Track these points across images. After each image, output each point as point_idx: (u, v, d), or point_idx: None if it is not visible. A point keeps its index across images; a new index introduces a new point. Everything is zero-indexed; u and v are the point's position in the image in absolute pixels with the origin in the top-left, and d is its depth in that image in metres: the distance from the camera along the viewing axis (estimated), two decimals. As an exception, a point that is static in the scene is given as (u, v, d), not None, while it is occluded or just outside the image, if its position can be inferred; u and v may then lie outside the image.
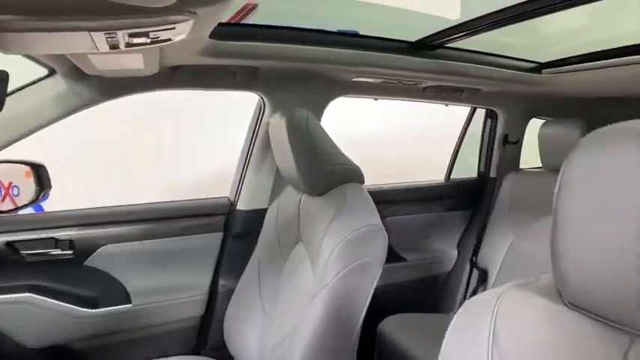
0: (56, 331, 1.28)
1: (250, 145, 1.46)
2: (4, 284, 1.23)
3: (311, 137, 1.03)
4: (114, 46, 0.61)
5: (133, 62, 0.91)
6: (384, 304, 1.39)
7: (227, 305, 1.34)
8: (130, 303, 1.36)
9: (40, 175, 1.48)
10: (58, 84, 1.09)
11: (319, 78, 1.34)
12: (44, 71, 1.09)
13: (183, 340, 1.46)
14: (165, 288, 1.40)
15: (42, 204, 1.63)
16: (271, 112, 1.37)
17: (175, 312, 1.42)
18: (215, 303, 1.46)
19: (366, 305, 0.95)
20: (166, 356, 1.33)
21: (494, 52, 1.40)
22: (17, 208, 1.40)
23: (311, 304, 0.93)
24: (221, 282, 1.46)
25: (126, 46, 0.62)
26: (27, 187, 1.52)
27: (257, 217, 1.41)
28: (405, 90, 1.49)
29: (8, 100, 1.07)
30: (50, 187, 1.50)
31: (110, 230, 1.32)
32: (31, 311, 1.23)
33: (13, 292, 1.22)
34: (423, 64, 1.29)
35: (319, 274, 0.95)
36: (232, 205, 1.48)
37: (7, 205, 1.46)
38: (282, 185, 1.42)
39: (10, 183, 1.77)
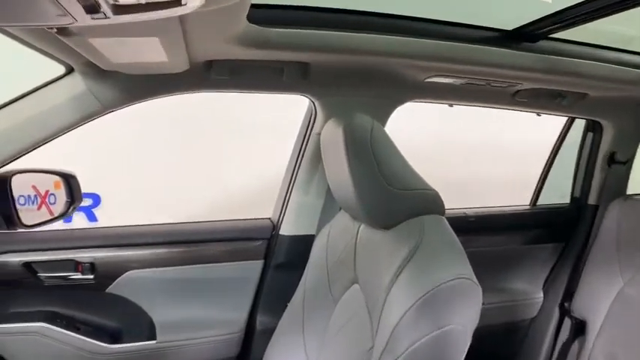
0: None
1: (298, 159, 1.24)
2: (19, 309, 1.11)
3: (376, 152, 0.78)
4: (94, 10, 0.41)
5: (153, 53, 0.72)
6: None
7: (265, 347, 1.13)
8: (155, 339, 1.18)
9: (71, 186, 1.35)
10: (77, 84, 0.94)
11: (385, 77, 1.09)
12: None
13: None
14: (195, 323, 1.22)
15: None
16: (324, 119, 1.14)
17: (206, 352, 1.23)
18: (252, 344, 1.26)
19: None
20: None
21: (614, 46, 1.09)
22: (43, 223, 1.28)
23: None
24: (259, 319, 1.26)
25: (114, 11, 0.42)
26: (59, 196, 1.40)
27: (303, 244, 1.19)
28: (492, 94, 1.20)
29: (22, 102, 0.94)
30: (81, 199, 1.37)
31: (136, 253, 1.17)
32: (44, 344, 1.09)
33: (26, 321, 1.09)
34: (522, 59, 1.00)
35: (383, 339, 0.70)
36: (275, 228, 1.27)
37: (38, 215, 1.34)
38: (335, 208, 1.19)
39: (47, 191, 1.67)
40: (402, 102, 1.19)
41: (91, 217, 2.56)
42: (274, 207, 1.32)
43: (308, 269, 1.11)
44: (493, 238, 1.50)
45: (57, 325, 1.10)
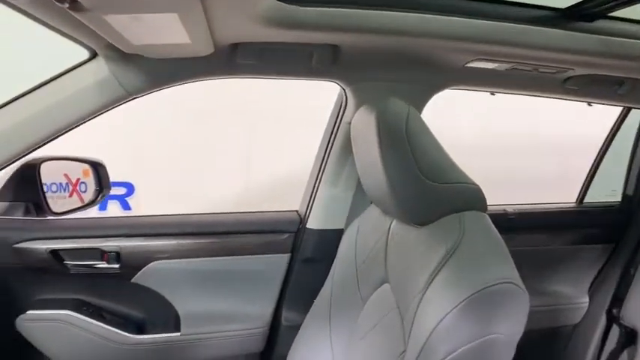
0: (96, 356, 1.12)
1: (327, 149, 1.18)
2: (46, 297, 1.11)
3: (412, 141, 0.71)
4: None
5: (175, 34, 0.68)
6: None
7: (290, 343, 1.09)
8: (179, 331, 1.16)
9: (100, 174, 1.34)
10: (100, 68, 0.91)
11: (422, 61, 1.00)
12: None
13: None
14: (219, 316, 1.19)
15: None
16: (355, 108, 1.08)
17: (230, 346, 1.21)
18: (276, 339, 1.22)
19: None
20: None
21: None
22: (74, 210, 1.29)
23: None
24: (284, 314, 1.22)
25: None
26: (89, 184, 1.40)
27: (331, 239, 1.13)
28: (539, 81, 1.10)
29: (47, 88, 0.92)
30: (110, 188, 1.36)
31: (162, 243, 1.14)
32: (70, 331, 1.09)
33: (53, 308, 1.09)
34: (576, 40, 0.90)
35: (417, 344, 0.64)
36: (302, 222, 1.22)
37: (68, 203, 1.35)
38: (365, 202, 1.13)
39: (78, 179, 1.68)
40: (439, 89, 1.10)
41: (125, 206, 2.61)
42: (302, 199, 1.27)
43: (336, 265, 1.06)
44: (535, 237, 1.39)
45: (83, 314, 1.10)
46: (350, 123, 0.94)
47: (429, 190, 0.71)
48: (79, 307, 1.11)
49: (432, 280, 0.66)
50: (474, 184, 0.75)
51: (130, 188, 2.59)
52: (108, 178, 1.36)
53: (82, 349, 1.11)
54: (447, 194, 0.72)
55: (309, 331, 1.07)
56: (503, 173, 2.42)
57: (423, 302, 0.67)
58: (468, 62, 1.01)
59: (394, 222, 0.86)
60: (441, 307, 0.62)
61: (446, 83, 1.11)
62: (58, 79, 0.94)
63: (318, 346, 1.01)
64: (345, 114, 1.11)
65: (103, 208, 2.53)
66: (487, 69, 1.04)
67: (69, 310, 1.09)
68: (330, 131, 1.17)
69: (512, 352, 0.63)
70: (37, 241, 1.07)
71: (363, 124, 0.78)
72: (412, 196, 0.72)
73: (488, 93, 1.24)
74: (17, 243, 1.05)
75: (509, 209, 1.37)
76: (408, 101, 0.78)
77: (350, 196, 1.18)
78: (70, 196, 1.65)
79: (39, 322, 1.08)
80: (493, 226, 0.72)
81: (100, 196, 1.37)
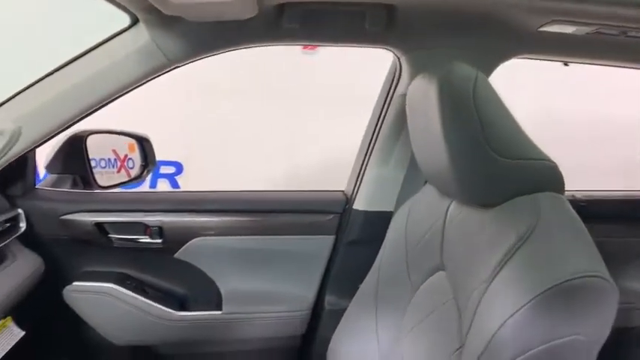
0: (140, 331, 1.13)
1: (377, 125, 1.10)
2: (91, 269, 1.13)
3: (480, 110, 0.61)
4: None
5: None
6: None
7: (334, 329, 1.04)
8: (221, 309, 1.14)
9: (146, 149, 1.34)
10: (141, 35, 0.87)
11: (487, 25, 0.89)
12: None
13: None
14: (261, 297, 1.17)
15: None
16: (410, 78, 0.98)
17: (272, 327, 1.18)
18: (319, 323, 1.18)
19: None
20: None
21: None
22: (118, 185, 1.29)
23: None
24: (328, 298, 1.17)
25: None
26: (136, 160, 1.41)
27: (379, 221, 1.06)
28: (626, 48, 0.95)
29: (88, 57, 0.90)
30: (155, 163, 1.35)
31: (205, 220, 1.12)
32: (114, 304, 1.10)
33: (98, 280, 1.11)
34: None
35: (479, 342, 0.56)
36: (348, 202, 1.15)
37: (115, 178, 1.35)
38: (418, 182, 1.04)
39: (126, 155, 1.70)
40: (506, 57, 0.98)
41: (174, 185, 2.66)
42: (348, 179, 1.21)
43: (384, 250, 0.99)
44: (609, 228, 1.25)
45: (126, 288, 1.10)
46: (404, 95, 0.86)
47: (497, 166, 0.61)
48: (123, 280, 1.11)
49: (500, 269, 0.57)
50: (550, 160, 0.64)
51: (179, 167, 2.64)
52: (153, 153, 1.35)
53: (125, 322, 1.11)
54: (520, 172, 0.62)
55: (353, 319, 1.02)
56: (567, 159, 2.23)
57: (487, 295, 0.58)
58: (543, 25, 0.88)
59: (453, 204, 0.77)
60: (511, 301, 0.53)
61: (514, 50, 0.98)
62: (99, 48, 0.91)
63: (363, 335, 0.95)
64: (399, 85, 1.02)
65: (153, 186, 2.60)
66: (564, 34, 0.91)
67: (113, 283, 1.09)
68: (382, 105, 1.08)
69: (593, 357, 0.54)
70: (83, 214, 1.07)
71: (422, 91, 0.69)
72: (478, 174, 0.63)
73: (561, 64, 1.10)
74: (64, 215, 1.06)
75: (579, 195, 1.23)
76: (476, 66, 0.68)
77: (401, 175, 1.09)
78: (118, 172, 1.66)
79: (84, 294, 1.09)
80: (574, 211, 0.62)
81: (145, 171, 1.37)
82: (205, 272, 1.14)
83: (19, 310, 0.99)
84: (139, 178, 1.35)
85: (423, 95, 0.68)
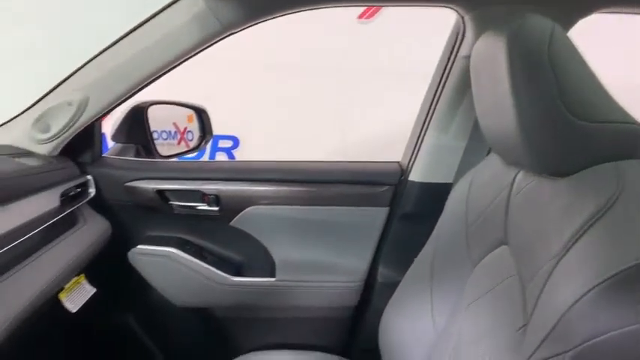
0: (198, 293, 1.18)
1: (437, 91, 1.03)
2: (154, 233, 1.18)
3: (557, 67, 0.54)
4: None
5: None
6: None
7: (387, 301, 1.02)
8: (274, 277, 1.16)
9: (203, 120, 1.37)
10: (196, 2, 0.87)
11: None
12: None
13: (331, 332, 1.23)
14: (314, 266, 1.17)
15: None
16: (474, 39, 0.91)
17: (324, 297, 1.18)
18: (372, 296, 1.17)
19: None
20: (310, 347, 1.11)
21: None
22: (178, 155, 1.33)
23: None
24: (381, 270, 1.15)
25: None
26: (195, 132, 1.45)
27: (437, 193, 1.02)
28: None
29: (145, 28, 0.92)
30: (212, 133, 1.38)
31: (260, 189, 1.13)
32: (174, 267, 1.15)
33: (160, 245, 1.16)
34: None
35: (545, 322, 0.51)
36: (404, 173, 1.11)
37: (173, 150, 1.40)
38: (480, 153, 0.98)
39: (185, 128, 1.76)
40: (584, 12, 0.88)
41: (231, 158, 2.73)
42: (405, 149, 1.16)
43: (441, 223, 0.94)
44: None
45: (186, 252, 1.14)
46: (468, 57, 0.79)
47: (575, 129, 0.55)
48: (183, 245, 1.15)
49: (573, 244, 0.52)
50: (635, 123, 0.57)
51: (236, 141, 2.70)
52: (210, 124, 1.38)
53: (184, 285, 1.16)
54: (601, 136, 0.56)
55: (407, 293, 0.99)
56: None
57: (557, 271, 0.53)
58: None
59: (520, 174, 0.71)
60: (584, 279, 0.48)
61: (596, 3, 0.88)
62: (157, 17, 0.92)
63: (417, 309, 0.92)
64: (462, 47, 0.95)
65: (212, 158, 2.68)
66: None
67: (173, 247, 1.14)
68: (443, 69, 1.01)
69: None
70: (146, 181, 1.11)
71: (489, 50, 0.63)
72: (551, 138, 0.57)
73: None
74: (128, 182, 1.11)
75: None
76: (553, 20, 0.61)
77: (462, 145, 1.03)
78: (179, 143, 1.73)
79: (147, 257, 1.15)
80: None
81: (203, 141, 1.40)
82: (259, 240, 1.16)
83: (90, 270, 1.06)
84: (197, 148, 1.39)
85: (489, 54, 0.62)
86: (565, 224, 0.54)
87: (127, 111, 1.20)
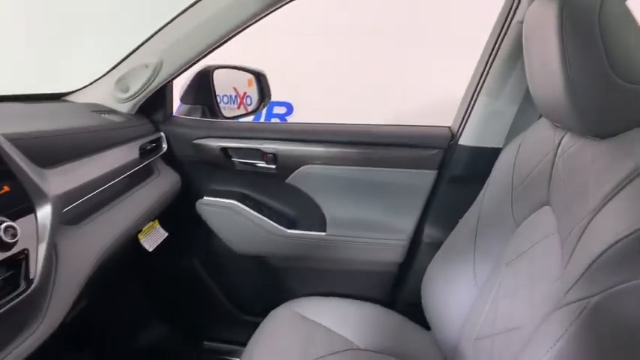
0: (256, 242, 1.29)
1: (490, 57, 1.04)
2: (218, 187, 1.29)
3: (605, 30, 0.56)
4: None
5: None
6: None
7: (430, 259, 1.08)
8: (325, 231, 1.25)
9: (262, 84, 1.45)
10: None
11: None
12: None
13: (376, 286, 1.30)
14: (362, 223, 1.24)
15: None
16: (529, 3, 0.91)
17: (371, 253, 1.26)
18: (417, 253, 1.22)
19: None
20: (356, 297, 1.20)
21: None
22: (240, 116, 1.43)
23: (550, 319, 0.56)
24: (427, 230, 1.20)
25: None
26: (254, 96, 1.54)
27: (485, 158, 1.04)
28: None
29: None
30: (270, 97, 1.47)
31: (313, 150, 1.20)
32: (236, 218, 1.26)
33: (223, 197, 1.26)
34: None
35: (575, 271, 0.56)
36: (454, 138, 1.14)
37: (235, 112, 1.51)
38: (530, 118, 0.99)
39: (245, 93, 1.86)
40: None
41: (284, 123, 2.83)
42: (455, 115, 1.18)
43: (488, 185, 0.98)
44: None
45: (246, 205, 1.25)
46: (522, 22, 0.80)
47: (620, 91, 0.57)
48: (243, 199, 1.26)
49: (610, 200, 0.55)
50: None
51: (290, 108, 2.78)
52: (269, 88, 1.46)
53: (243, 234, 1.27)
54: None
55: (451, 249, 1.04)
56: None
57: (592, 224, 0.57)
58: None
59: (567, 136, 0.73)
60: (615, 230, 0.52)
61: None
62: None
63: (459, 268, 0.98)
64: (518, 11, 0.95)
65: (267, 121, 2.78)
66: None
67: (235, 200, 1.25)
68: (497, 34, 1.02)
69: None
70: (211, 139, 1.21)
71: (541, 15, 0.65)
72: (597, 99, 0.59)
73: None
74: (196, 139, 1.22)
75: None
76: None
77: (513, 110, 1.04)
78: (238, 107, 1.83)
79: (212, 207, 1.26)
80: None
81: (262, 104, 1.49)
82: (312, 197, 1.24)
83: (163, 216, 1.19)
84: (257, 111, 1.49)
85: (540, 19, 0.64)
86: (603, 182, 0.57)
87: (194, 75, 1.30)
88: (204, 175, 1.27)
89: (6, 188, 0.67)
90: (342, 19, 2.43)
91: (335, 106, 2.51)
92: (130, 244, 1.06)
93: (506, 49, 1.00)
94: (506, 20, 0.99)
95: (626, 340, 0.50)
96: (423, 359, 1.01)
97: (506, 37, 0.99)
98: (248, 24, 1.01)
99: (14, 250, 0.64)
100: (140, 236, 1.11)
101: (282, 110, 2.78)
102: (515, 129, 1.04)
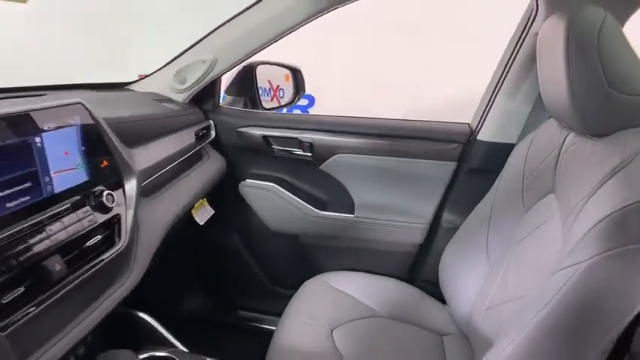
0: (291, 222, 1.43)
1: (508, 62, 1.17)
2: (259, 171, 1.43)
3: (603, 51, 0.69)
4: None
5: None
6: None
7: (447, 241, 1.22)
8: (353, 214, 1.39)
9: (297, 79, 1.60)
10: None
11: None
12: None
13: (398, 264, 1.44)
14: (386, 207, 1.38)
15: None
16: (545, 18, 1.03)
17: (394, 234, 1.40)
18: (435, 236, 1.36)
19: (636, 310, 0.65)
20: (379, 273, 1.34)
21: None
22: (277, 108, 1.58)
23: (551, 280, 0.70)
24: (445, 216, 1.34)
25: None
26: (288, 90, 1.69)
27: (500, 152, 1.17)
28: None
29: (265, 2, 1.12)
30: (304, 90, 1.62)
31: (346, 140, 1.33)
32: (274, 199, 1.41)
33: (263, 180, 1.41)
34: None
35: (570, 245, 0.69)
36: (472, 134, 1.27)
37: (271, 104, 1.66)
38: (541, 118, 1.12)
39: (278, 86, 2.00)
40: None
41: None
42: (475, 113, 1.31)
43: (502, 176, 1.11)
44: None
45: (283, 188, 1.40)
46: (537, 34, 0.93)
47: (612, 99, 0.70)
48: (281, 182, 1.41)
49: (600, 186, 0.69)
50: None
51: (311, 100, 2.91)
52: (303, 82, 1.61)
53: (280, 214, 1.42)
54: (634, 106, 0.71)
55: (467, 232, 1.17)
56: None
57: (586, 206, 0.70)
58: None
59: (570, 135, 0.86)
60: (602, 210, 0.65)
61: None
62: None
63: (474, 246, 1.11)
64: (534, 25, 1.07)
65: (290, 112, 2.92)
66: None
67: (274, 183, 1.40)
68: (515, 43, 1.14)
69: None
70: (254, 128, 1.36)
71: (551, 32, 0.78)
72: (594, 106, 0.73)
73: None
74: (240, 127, 1.37)
75: None
76: (611, 9, 0.75)
77: (527, 110, 1.17)
78: (271, 100, 1.98)
79: (253, 189, 1.42)
80: None
81: (296, 97, 1.64)
82: (342, 183, 1.38)
83: (211, 196, 1.35)
84: (292, 103, 1.63)
85: (551, 36, 0.77)
86: (595, 174, 0.71)
87: (239, 69, 1.44)
88: (246, 159, 1.42)
89: (105, 162, 0.83)
90: (365, 17, 2.53)
91: (353, 99, 2.65)
92: (185, 218, 1.22)
93: (522, 56, 1.13)
94: (523, 31, 1.12)
95: (607, 300, 0.64)
96: (439, 328, 1.15)
97: (523, 46, 1.12)
98: (295, 29, 1.15)
99: (111, 214, 0.80)
100: (193, 211, 1.27)
101: (304, 102, 2.92)
102: (528, 127, 1.17)
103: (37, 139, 0.68)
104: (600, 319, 0.64)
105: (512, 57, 1.16)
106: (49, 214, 0.68)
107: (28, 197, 0.65)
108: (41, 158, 0.68)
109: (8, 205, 0.62)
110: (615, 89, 0.70)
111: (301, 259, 1.50)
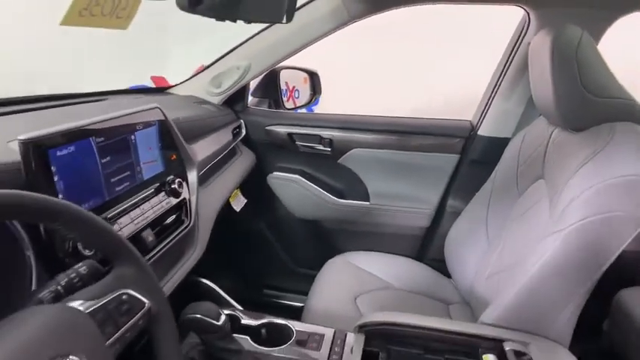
0: (313, 209, 1.61)
1: (504, 67, 1.35)
2: (284, 165, 1.60)
3: (579, 62, 0.87)
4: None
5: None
6: (632, 272, 1.18)
7: (451, 224, 1.39)
8: (369, 201, 1.56)
9: (314, 82, 1.77)
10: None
11: None
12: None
13: (408, 244, 1.61)
14: (398, 195, 1.55)
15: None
16: (536, 30, 1.21)
17: (404, 218, 1.57)
18: (441, 219, 1.53)
19: (604, 267, 0.83)
20: (392, 252, 1.52)
21: None
22: (296, 108, 1.75)
23: (539, 245, 0.88)
24: (449, 202, 1.51)
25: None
26: (304, 92, 1.86)
27: (498, 145, 1.35)
28: None
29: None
30: (320, 93, 1.79)
31: (362, 136, 1.50)
32: (298, 189, 1.58)
33: (288, 172, 1.58)
34: None
35: (555, 217, 0.88)
36: (473, 129, 1.45)
37: (289, 104, 1.83)
38: (533, 116, 1.30)
39: (294, 87, 2.18)
40: (625, 11, 1.14)
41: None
42: (475, 111, 1.49)
43: (499, 166, 1.28)
44: None
45: (306, 179, 1.57)
46: (529, 44, 1.11)
47: (588, 102, 0.89)
48: (304, 174, 1.58)
49: (577, 171, 0.87)
50: (632, 100, 0.89)
51: (316, 99, 3.06)
52: (320, 84, 1.78)
53: (303, 202, 1.60)
54: (605, 106, 0.89)
55: (469, 215, 1.34)
56: None
57: (566, 187, 0.89)
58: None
59: (556, 130, 1.05)
60: (577, 189, 0.84)
61: (635, 4, 1.14)
62: (302, 9, 1.29)
63: (475, 226, 1.28)
64: (527, 35, 1.25)
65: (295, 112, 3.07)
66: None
67: (298, 175, 1.57)
68: (510, 51, 1.33)
69: (633, 231, 0.80)
70: (279, 126, 1.53)
71: (540, 46, 0.96)
72: (573, 106, 0.91)
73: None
74: (267, 126, 1.54)
75: None
76: (589, 24, 0.92)
77: (520, 109, 1.35)
78: (287, 100, 2.16)
79: (279, 180, 1.59)
80: None
81: (313, 98, 1.81)
82: (358, 174, 1.55)
83: (243, 187, 1.52)
84: (309, 103, 1.81)
85: (540, 50, 0.95)
86: (574, 161, 0.89)
87: (266, 73, 1.61)
88: (273, 154, 1.59)
89: (174, 156, 1.00)
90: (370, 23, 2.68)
91: (355, 98, 2.79)
92: (226, 205, 1.39)
93: (516, 63, 1.30)
94: (517, 41, 1.30)
95: (580, 253, 0.82)
96: (445, 298, 1.33)
97: (517, 53, 1.30)
98: (319, 39, 1.32)
99: (180, 198, 0.98)
100: (231, 199, 1.45)
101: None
102: (521, 124, 1.35)
103: (132, 137, 0.85)
104: (577, 275, 0.83)
105: (508, 63, 1.34)
106: (141, 196, 0.86)
107: (128, 183, 0.83)
108: (135, 152, 0.86)
109: (117, 189, 0.80)
110: (591, 93, 0.88)
111: (322, 242, 1.67)
